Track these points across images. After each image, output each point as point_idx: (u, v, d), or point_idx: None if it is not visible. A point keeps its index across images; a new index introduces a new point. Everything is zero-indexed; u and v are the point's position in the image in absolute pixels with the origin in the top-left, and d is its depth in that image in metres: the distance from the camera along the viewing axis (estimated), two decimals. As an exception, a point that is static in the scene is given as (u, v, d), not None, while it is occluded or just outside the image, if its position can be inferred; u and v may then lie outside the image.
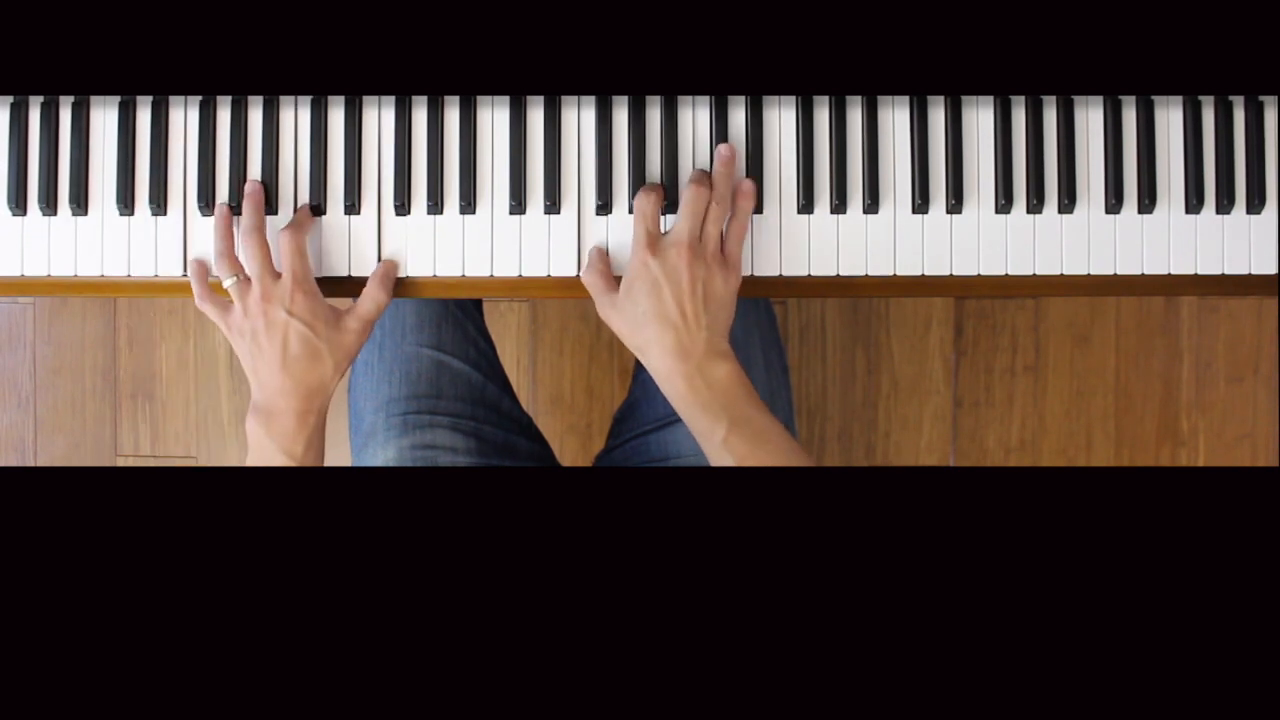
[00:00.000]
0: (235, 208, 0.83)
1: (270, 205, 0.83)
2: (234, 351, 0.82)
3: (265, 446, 0.80)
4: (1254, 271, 0.85)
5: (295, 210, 0.83)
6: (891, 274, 0.84)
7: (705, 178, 0.80)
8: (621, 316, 0.79)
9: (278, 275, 0.80)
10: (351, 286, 0.84)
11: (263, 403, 0.80)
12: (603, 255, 0.83)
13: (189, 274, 0.83)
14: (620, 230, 0.83)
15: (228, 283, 0.81)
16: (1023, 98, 0.84)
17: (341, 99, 0.83)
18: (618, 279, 0.81)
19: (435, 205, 0.83)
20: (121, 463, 1.55)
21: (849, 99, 0.84)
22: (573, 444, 1.53)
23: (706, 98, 0.84)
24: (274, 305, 0.79)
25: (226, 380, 1.54)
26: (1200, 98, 0.84)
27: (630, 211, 0.83)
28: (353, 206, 0.83)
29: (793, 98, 0.84)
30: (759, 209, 0.83)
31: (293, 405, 0.79)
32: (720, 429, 0.76)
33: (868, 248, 0.83)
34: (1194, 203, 0.84)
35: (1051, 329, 1.52)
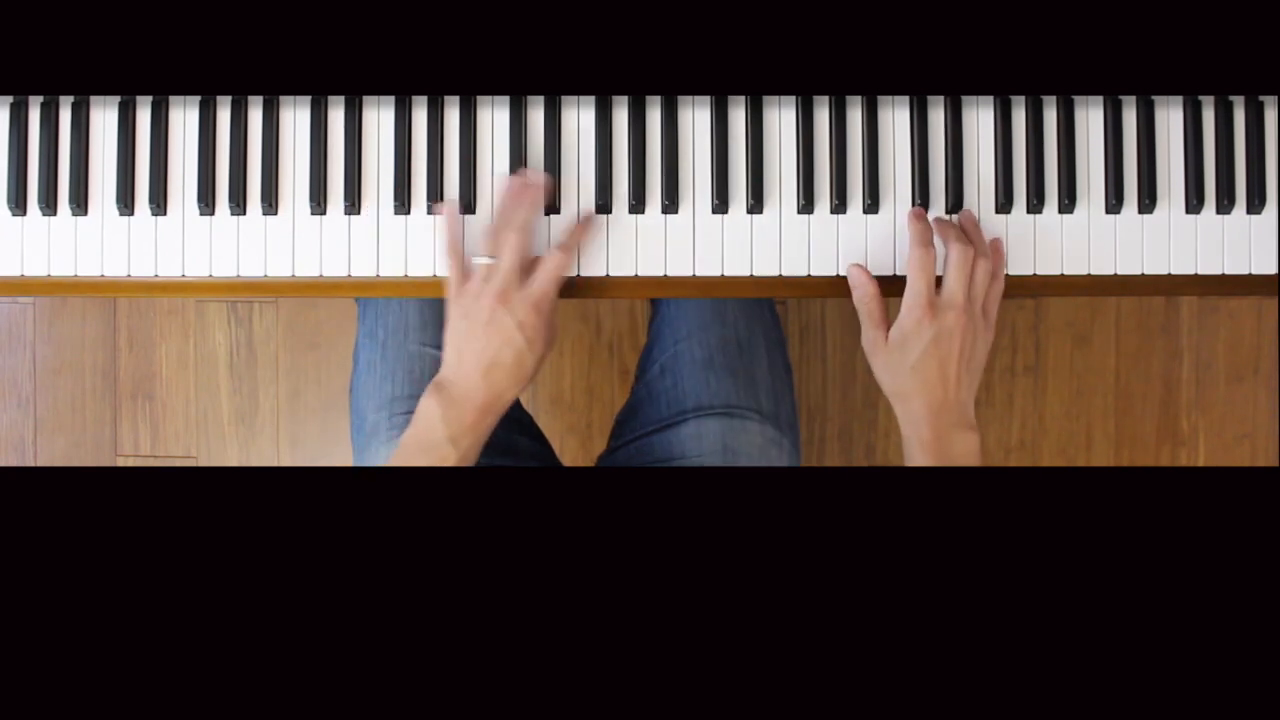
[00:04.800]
0: (234, 207, 0.83)
1: (271, 205, 0.83)
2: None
3: (434, 425, 0.78)
4: (1254, 271, 0.85)
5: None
6: (892, 274, 0.84)
7: (964, 234, 0.80)
8: (886, 363, 0.80)
9: (523, 279, 0.79)
10: (349, 286, 0.84)
11: (449, 384, 0.79)
12: (873, 281, 0.81)
13: (446, 216, 0.81)
14: (620, 230, 0.83)
15: (480, 260, 0.79)
16: (1023, 98, 0.84)
17: (341, 99, 0.83)
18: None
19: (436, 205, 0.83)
20: (121, 463, 1.55)
21: (849, 99, 0.84)
22: (572, 444, 1.53)
23: (706, 98, 0.84)
24: (505, 310, 0.78)
25: (226, 380, 1.54)
26: (1200, 98, 0.84)
27: (630, 211, 0.83)
28: (352, 206, 0.83)
29: (793, 98, 0.84)
30: (759, 209, 0.84)
31: (478, 403, 0.78)
32: None
33: (868, 247, 0.83)
34: (1194, 203, 0.84)
35: (1051, 329, 1.52)
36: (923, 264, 0.79)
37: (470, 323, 0.79)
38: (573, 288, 0.84)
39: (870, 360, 0.82)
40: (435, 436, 0.78)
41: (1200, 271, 0.84)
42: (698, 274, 0.84)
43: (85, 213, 0.84)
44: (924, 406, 0.79)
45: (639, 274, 0.84)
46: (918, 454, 0.79)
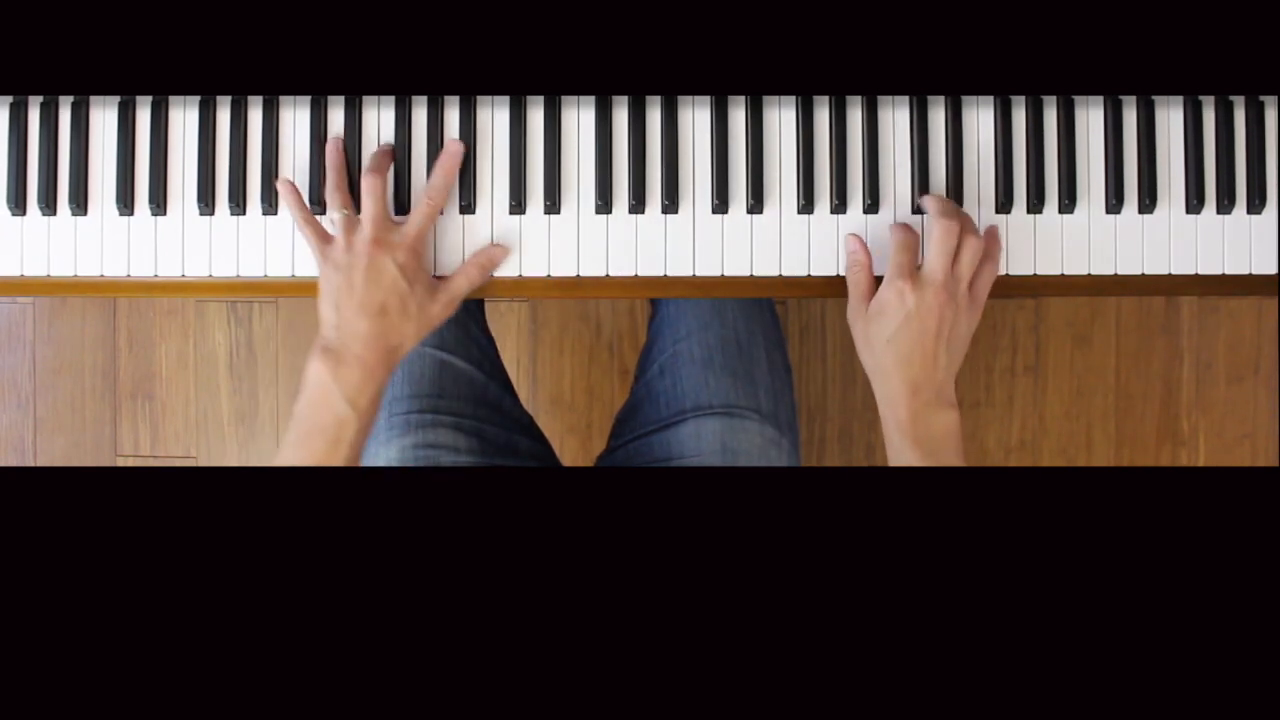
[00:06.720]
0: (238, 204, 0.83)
1: (272, 205, 0.83)
2: (322, 288, 0.79)
3: (330, 390, 0.76)
4: (1254, 271, 0.85)
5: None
6: (892, 274, 0.83)
7: (953, 211, 0.79)
8: (866, 334, 0.80)
9: (393, 224, 0.79)
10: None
11: (336, 345, 0.77)
12: (867, 253, 0.82)
13: (283, 194, 0.81)
14: (620, 230, 0.83)
15: (337, 215, 0.79)
16: (1023, 98, 0.84)
17: (341, 99, 0.83)
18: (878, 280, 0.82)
19: (435, 205, 0.83)
20: (121, 463, 1.55)
21: (849, 99, 0.84)
22: (572, 444, 1.53)
23: (706, 98, 0.84)
24: (383, 252, 0.77)
25: (226, 380, 1.54)
26: (1201, 98, 0.84)
27: (630, 211, 0.83)
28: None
29: (793, 98, 0.84)
30: (759, 209, 0.84)
31: (366, 357, 0.77)
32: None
33: (868, 247, 0.83)
34: (1194, 203, 0.84)
35: (1051, 329, 1.52)
36: (905, 240, 0.79)
37: (346, 274, 0.77)
38: (573, 287, 0.84)
39: (852, 331, 0.82)
40: (331, 401, 0.77)
41: (1200, 271, 0.84)
42: (698, 274, 0.84)
43: (85, 213, 0.84)
44: (901, 384, 0.78)
45: (639, 274, 0.84)
46: (895, 435, 0.78)
